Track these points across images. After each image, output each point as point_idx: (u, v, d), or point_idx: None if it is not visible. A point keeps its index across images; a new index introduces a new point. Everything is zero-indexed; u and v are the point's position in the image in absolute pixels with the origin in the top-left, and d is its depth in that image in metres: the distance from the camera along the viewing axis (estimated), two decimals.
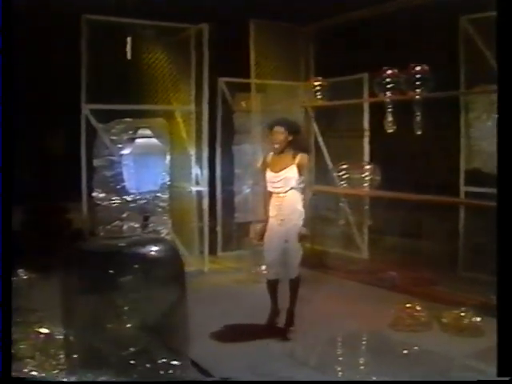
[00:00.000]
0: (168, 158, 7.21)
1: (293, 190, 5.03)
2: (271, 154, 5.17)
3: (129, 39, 5.69)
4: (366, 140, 7.79)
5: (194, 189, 7.38)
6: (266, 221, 5.20)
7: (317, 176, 8.02)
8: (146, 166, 6.35)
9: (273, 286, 5.25)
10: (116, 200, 6.85)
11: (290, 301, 5.24)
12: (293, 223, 5.02)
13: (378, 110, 7.05)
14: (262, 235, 5.20)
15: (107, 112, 6.74)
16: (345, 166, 7.45)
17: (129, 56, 5.58)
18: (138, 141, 6.40)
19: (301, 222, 5.02)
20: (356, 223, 7.92)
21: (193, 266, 7.21)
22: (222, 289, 6.59)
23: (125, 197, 6.81)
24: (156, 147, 6.49)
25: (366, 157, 7.76)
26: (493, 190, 5.72)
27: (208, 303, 5.89)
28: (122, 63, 6.97)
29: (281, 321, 5.28)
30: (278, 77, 7.72)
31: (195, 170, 7.40)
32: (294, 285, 5.19)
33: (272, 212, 5.13)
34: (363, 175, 7.25)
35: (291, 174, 5.00)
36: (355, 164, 7.43)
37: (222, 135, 8.10)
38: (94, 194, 6.78)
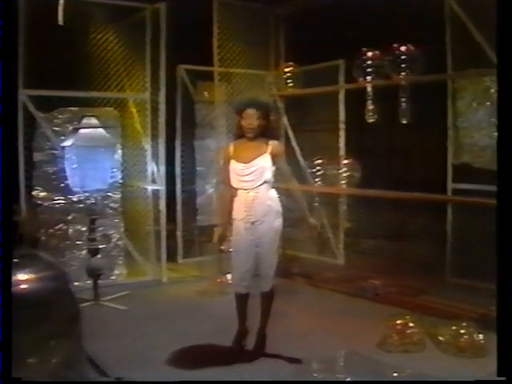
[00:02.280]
0: (120, 152, 6.42)
1: (266, 185, 4.22)
2: (236, 142, 4.34)
3: (61, 1, 4.80)
4: (343, 133, 6.99)
5: (150, 188, 6.51)
6: (225, 224, 4.37)
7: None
8: (92, 161, 5.44)
9: (242, 300, 4.43)
10: (60, 200, 6.08)
11: (261, 318, 4.44)
12: (267, 225, 4.24)
13: (355, 99, 6.34)
14: (221, 241, 4.39)
15: (49, 99, 5.89)
16: (319, 162, 6.65)
17: (60, 21, 4.71)
18: (82, 131, 5.49)
19: (277, 224, 4.26)
20: (331, 225, 7.16)
21: (149, 276, 6.49)
22: (181, 301, 5.74)
23: (70, 196, 6.00)
24: (103, 139, 5.58)
25: (343, 151, 6.97)
26: (484, 187, 5.29)
27: (164, 319, 5.14)
28: (68, 44, 6.05)
29: (250, 341, 4.44)
30: (245, 64, 6.90)
31: (151, 167, 6.52)
32: (267, 299, 4.42)
33: (238, 214, 4.29)
34: (340, 172, 6.44)
35: (265, 163, 4.19)
36: (331, 159, 6.64)
37: (183, 128, 7.25)
38: (34, 193, 5.97)
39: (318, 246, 7.31)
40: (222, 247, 4.52)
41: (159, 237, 6.46)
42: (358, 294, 5.77)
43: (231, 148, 4.34)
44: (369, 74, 5.86)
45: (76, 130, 5.54)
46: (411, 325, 4.48)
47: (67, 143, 5.50)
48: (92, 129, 5.52)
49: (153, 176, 6.53)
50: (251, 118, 4.21)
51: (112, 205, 6.34)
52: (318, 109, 7.21)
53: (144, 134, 6.51)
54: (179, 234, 7.28)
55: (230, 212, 4.33)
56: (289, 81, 6.91)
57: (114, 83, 6.29)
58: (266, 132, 4.27)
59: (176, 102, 7.15)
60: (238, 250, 4.30)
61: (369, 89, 5.86)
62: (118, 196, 6.39)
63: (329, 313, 5.31)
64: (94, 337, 4.41)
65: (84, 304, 5.41)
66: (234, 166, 4.25)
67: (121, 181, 6.42)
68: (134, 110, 6.54)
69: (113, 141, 5.75)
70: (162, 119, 6.37)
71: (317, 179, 6.67)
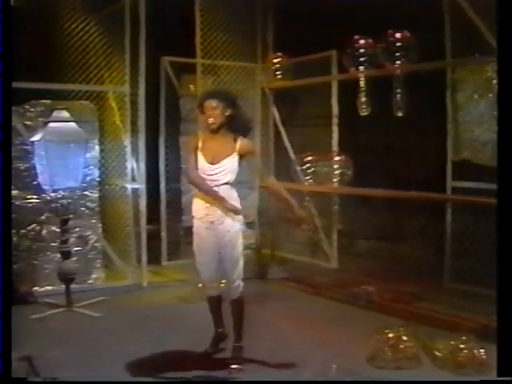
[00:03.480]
0: (97, 148, 6.00)
1: (228, 186, 3.89)
2: (204, 135, 3.97)
3: None
4: (336, 128, 6.56)
5: (130, 186, 6.09)
6: None
7: (277, 170, 6.79)
8: (62, 157, 5.02)
9: (214, 303, 4.19)
10: (33, 199, 5.69)
11: (233, 329, 4.06)
12: (227, 226, 3.91)
13: (348, 92, 5.88)
14: None
15: (21, 92, 5.24)
16: (310, 158, 6.21)
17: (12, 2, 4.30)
18: (51, 125, 5.06)
19: (238, 225, 3.93)
20: (323, 226, 6.78)
21: (128, 280, 6.09)
22: (158, 308, 5.32)
23: (44, 195, 5.57)
24: (74, 134, 5.16)
25: (335, 147, 6.54)
26: (485, 185, 4.83)
27: (136, 328, 4.74)
28: (43, 33, 5.68)
29: (228, 347, 4.11)
30: (231, 56, 6.54)
31: (131, 164, 6.11)
32: (236, 308, 4.06)
33: (198, 212, 3.98)
34: (332, 169, 6.02)
35: (233, 165, 3.90)
36: (322, 156, 6.20)
37: (167, 124, 6.80)
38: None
39: (311, 247, 6.97)
40: None
41: (140, 238, 6.03)
42: (350, 301, 5.34)
43: (197, 140, 3.95)
44: (361, 63, 5.44)
45: (45, 123, 5.11)
46: (405, 338, 4.03)
47: (36, 138, 5.09)
48: (62, 123, 5.08)
49: (133, 174, 6.15)
50: (211, 110, 3.88)
51: (89, 204, 5.94)
52: (309, 103, 6.85)
53: (124, 130, 6.07)
54: (163, 234, 6.86)
55: None
56: (278, 72, 6.55)
57: (91, 75, 5.91)
58: (232, 123, 3.89)
59: (159, 96, 6.72)
60: (201, 249, 4.01)
61: (361, 79, 5.43)
62: (95, 195, 5.99)
63: (317, 322, 4.89)
64: (52, 343, 4.31)
65: (55, 310, 5.12)
66: (202, 164, 3.92)
67: (98, 179, 6.01)
68: (113, 104, 6.12)
69: (85, 136, 5.31)
70: (141, 113, 5.97)
71: (307, 177, 6.23)
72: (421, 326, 4.48)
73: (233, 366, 3.92)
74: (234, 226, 3.91)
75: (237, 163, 3.88)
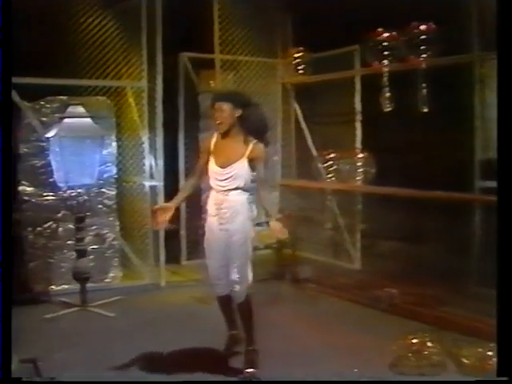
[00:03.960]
0: (114, 145, 5.93)
1: (238, 191, 3.83)
2: (216, 134, 3.93)
3: None
4: (359, 124, 6.37)
5: (148, 183, 5.98)
6: (172, 204, 3.99)
7: (299, 168, 6.68)
8: (77, 153, 4.95)
9: (224, 303, 4.10)
10: (49, 196, 5.62)
11: (244, 332, 3.98)
12: (237, 226, 3.83)
13: (371, 88, 5.66)
14: (160, 222, 3.93)
15: (37, 88, 5.38)
16: (332, 156, 6.04)
17: None
18: (66, 121, 4.98)
19: (247, 230, 3.86)
20: (346, 226, 6.60)
21: (146, 279, 5.99)
22: (174, 309, 5.22)
23: (60, 192, 5.49)
24: (89, 130, 5.07)
25: (359, 144, 6.34)
26: None
27: (155, 327, 4.67)
28: (58, 29, 5.60)
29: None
30: (250, 51, 6.40)
31: (149, 161, 6.00)
32: (243, 312, 3.97)
33: (211, 209, 3.95)
34: (354, 167, 5.85)
35: (241, 170, 3.79)
36: (345, 153, 6.03)
37: (186, 120, 6.68)
38: (20, 189, 5.51)
39: (333, 248, 6.79)
40: (157, 225, 4.05)
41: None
42: (371, 304, 5.16)
43: (212, 141, 3.90)
44: (385, 57, 5.23)
45: (60, 119, 5.04)
46: (429, 344, 3.85)
47: (50, 134, 5.02)
48: (77, 118, 5.00)
49: (151, 171, 6.03)
50: (219, 112, 3.82)
51: (106, 202, 5.86)
52: (331, 99, 6.55)
53: (141, 126, 5.97)
54: (183, 233, 6.75)
55: (183, 199, 4.16)
56: (299, 67, 6.35)
57: (108, 70, 5.79)
58: (244, 124, 3.79)
59: (178, 92, 6.60)
60: (210, 245, 3.96)
61: (385, 74, 5.22)
62: (112, 192, 5.91)
63: (337, 325, 4.74)
64: (63, 343, 4.26)
65: (69, 310, 5.05)
66: (212, 167, 3.88)
67: (115, 176, 5.93)
68: (131, 100, 6.02)
69: (101, 131, 5.22)
70: (159, 109, 5.86)
71: (329, 175, 6.06)
72: (446, 332, 4.31)
73: (247, 371, 3.79)
74: (242, 230, 3.80)
75: (246, 168, 3.75)
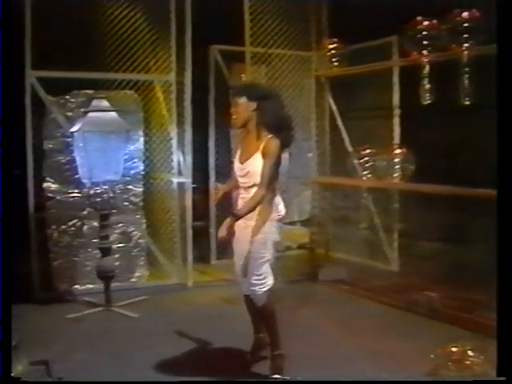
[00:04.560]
0: (141, 140, 5.81)
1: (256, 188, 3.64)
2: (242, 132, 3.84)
3: None
4: (397, 119, 6.11)
5: (176, 180, 5.84)
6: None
7: (333, 164, 6.46)
8: (101, 148, 4.81)
9: (248, 304, 3.89)
10: (74, 193, 5.53)
11: (268, 337, 3.80)
12: (254, 230, 3.61)
13: (411, 80, 5.36)
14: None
15: (62, 82, 5.28)
16: (368, 152, 5.74)
17: None
18: (91, 115, 4.85)
19: (266, 233, 3.59)
20: (383, 225, 6.35)
21: (173, 279, 5.87)
22: (202, 309, 5.08)
23: (85, 189, 5.30)
24: (114, 124, 4.92)
25: (397, 139, 6.08)
26: None
27: (180, 328, 4.51)
28: (83, 21, 5.44)
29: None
30: (282, 44, 6.18)
31: (177, 157, 5.86)
32: (264, 316, 3.79)
33: (238, 204, 3.80)
34: (392, 163, 5.52)
35: (255, 166, 3.61)
36: (382, 148, 5.71)
37: (217, 115, 6.54)
38: (44, 185, 5.44)
39: (370, 248, 6.55)
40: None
41: (186, 235, 5.77)
42: (409, 308, 4.91)
43: (241, 137, 3.81)
44: (425, 47, 4.94)
45: (84, 113, 4.91)
46: (472, 353, 3.56)
47: (74, 128, 4.89)
48: (102, 112, 4.86)
49: (179, 167, 5.87)
50: (235, 107, 3.68)
51: (132, 199, 5.75)
52: (368, 93, 6.36)
53: (170, 121, 5.82)
54: (212, 231, 6.58)
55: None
56: (334, 59, 6.10)
57: (136, 63, 5.61)
58: (262, 118, 3.60)
59: (208, 86, 6.47)
60: (237, 245, 3.77)
61: (425, 65, 4.93)
62: (139, 189, 5.80)
63: (371, 330, 4.50)
64: (84, 344, 4.16)
65: (92, 310, 4.95)
66: (235, 163, 3.79)
67: (143, 172, 5.81)
68: (159, 94, 5.88)
69: (126, 126, 5.06)
70: (187, 103, 5.70)
71: (365, 171, 5.77)
72: (490, 340, 4.03)
73: (273, 376, 3.62)
74: (264, 227, 3.57)
75: (261, 163, 3.55)
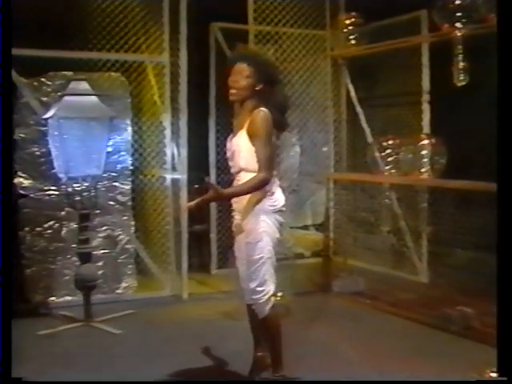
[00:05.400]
0: (129, 130, 5.58)
1: (247, 174, 3.37)
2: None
3: None
4: (426, 106, 5.84)
5: (170, 177, 5.63)
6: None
7: (351, 157, 6.31)
8: (80, 139, 4.56)
9: (251, 314, 3.70)
10: (50, 190, 5.33)
11: (270, 356, 3.57)
12: (247, 224, 3.41)
13: (442, 60, 5.15)
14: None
15: (38, 62, 5.06)
16: (392, 143, 5.51)
17: None
18: (67, 99, 4.61)
19: (259, 228, 3.37)
20: (410, 230, 6.14)
21: (166, 290, 5.65)
22: (198, 325, 4.83)
23: (64, 186, 5.06)
24: (95, 110, 4.67)
25: (426, 128, 5.82)
26: None
27: (170, 347, 4.32)
28: None
29: None
30: (288, 21, 6.03)
31: (171, 150, 5.65)
32: (266, 329, 3.58)
33: (232, 200, 3.59)
34: (419, 156, 5.26)
35: (239, 146, 3.39)
36: (407, 139, 5.47)
37: (218, 102, 6.27)
38: (15, 181, 5.21)
39: (394, 256, 6.34)
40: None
41: (181, 240, 5.57)
42: (440, 325, 4.65)
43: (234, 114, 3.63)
44: (458, 18, 4.69)
45: (60, 97, 4.67)
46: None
47: (48, 114, 4.63)
48: (80, 96, 4.61)
49: (173, 162, 5.66)
50: (237, 75, 3.41)
51: (119, 198, 5.53)
52: (392, 75, 6.19)
53: (163, 108, 5.61)
54: (213, 236, 6.36)
55: None
56: (351, 37, 5.91)
57: (123, 42, 5.36)
58: (260, 99, 3.36)
59: (209, 69, 6.24)
60: (237, 242, 3.60)
61: (459, 39, 4.69)
62: (127, 187, 5.58)
63: (394, 350, 4.21)
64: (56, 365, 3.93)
65: (69, 325, 4.69)
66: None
67: (131, 167, 5.59)
68: (151, 77, 5.67)
69: (109, 112, 4.81)
70: (183, 87, 5.48)
71: (388, 166, 5.52)
72: None
73: None
74: (253, 229, 3.39)
75: (246, 144, 3.32)
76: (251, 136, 3.28)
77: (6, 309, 2.76)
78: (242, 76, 3.38)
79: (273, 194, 3.37)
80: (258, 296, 3.43)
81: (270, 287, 3.41)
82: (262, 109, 3.28)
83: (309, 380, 3.63)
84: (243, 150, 3.32)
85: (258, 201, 3.35)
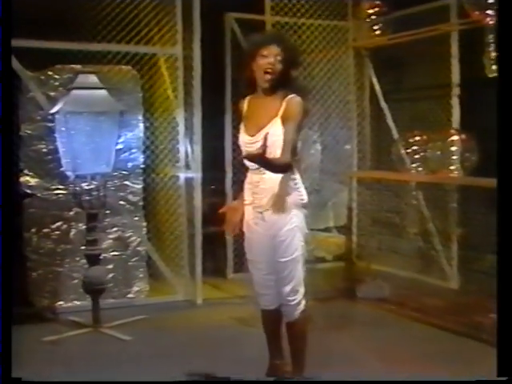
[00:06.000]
0: (141, 126, 5.62)
1: None
2: (250, 98, 3.55)
3: None
4: (456, 100, 5.84)
5: (183, 175, 5.69)
6: (241, 202, 3.63)
7: (375, 155, 6.35)
8: (88, 134, 4.60)
9: (270, 320, 3.75)
10: (58, 189, 5.37)
11: (292, 363, 3.62)
12: (280, 218, 3.41)
13: (472, 50, 5.21)
14: (233, 224, 3.60)
15: (45, 54, 5.14)
16: (419, 139, 5.51)
17: None
18: (75, 93, 4.65)
19: (295, 220, 3.43)
20: (439, 232, 6.11)
21: (179, 294, 5.71)
22: (211, 331, 4.84)
23: (72, 185, 5.05)
24: (104, 104, 4.71)
25: (455, 123, 5.82)
26: None
27: (181, 354, 4.32)
28: None
29: None
30: (306, 11, 6.12)
31: (184, 147, 5.69)
32: (295, 334, 3.62)
33: (247, 196, 3.58)
34: (448, 152, 5.28)
35: (274, 135, 3.34)
36: (436, 135, 5.47)
37: (234, 97, 6.17)
38: (21, 180, 5.27)
39: (422, 260, 6.31)
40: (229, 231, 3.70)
41: (195, 242, 5.61)
42: (470, 334, 4.61)
43: (244, 106, 3.54)
44: (490, 6, 4.66)
45: (68, 91, 4.72)
46: None
47: (54, 109, 4.69)
48: (89, 90, 4.65)
49: (187, 159, 5.70)
50: (271, 58, 3.34)
51: (130, 198, 5.56)
52: (419, 67, 6.22)
53: (176, 103, 5.65)
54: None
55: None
56: (375, 27, 5.96)
57: (134, 33, 5.38)
58: (289, 87, 3.40)
59: (224, 62, 6.26)
60: (251, 245, 3.63)
61: (491, 27, 4.66)
62: (138, 186, 5.62)
63: (423, 359, 4.17)
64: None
65: (76, 331, 4.73)
66: (241, 136, 3.53)
67: (143, 166, 5.63)
68: (163, 70, 5.71)
69: (119, 107, 4.86)
70: (197, 81, 5.51)
71: (415, 163, 5.51)
72: None
73: None
74: (288, 222, 3.41)
75: (281, 130, 3.31)
76: (284, 120, 3.28)
77: (5, 309, 2.83)
78: (276, 60, 3.32)
79: (298, 187, 3.40)
80: (292, 298, 3.48)
81: (303, 287, 3.46)
82: (295, 95, 3.31)
83: (309, 380, 3.64)
84: (280, 139, 3.28)
85: (287, 193, 3.35)
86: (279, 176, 3.36)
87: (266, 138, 3.25)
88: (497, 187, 3.08)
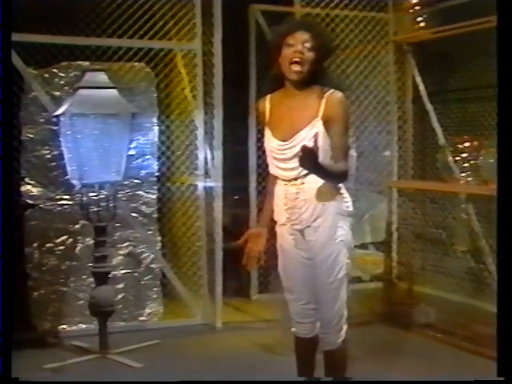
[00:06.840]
0: (156, 130, 5.67)
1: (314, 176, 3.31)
2: (274, 96, 3.42)
3: None
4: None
5: (202, 184, 5.73)
6: (260, 227, 3.64)
7: (418, 162, 6.35)
8: (96, 139, 4.62)
9: (302, 348, 3.69)
10: (63, 199, 5.44)
11: None
12: (322, 235, 3.33)
13: None
14: (256, 255, 3.59)
15: (47, 49, 5.21)
16: (468, 145, 5.55)
17: None
18: (81, 92, 4.66)
19: (341, 235, 3.34)
20: (492, 250, 5.93)
21: (197, 317, 5.78)
22: (231, 359, 4.86)
23: (79, 194, 5.08)
24: (114, 105, 4.72)
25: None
26: None
27: None
28: None
29: None
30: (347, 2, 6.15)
31: (203, 153, 5.72)
32: (334, 363, 3.56)
33: (279, 215, 3.46)
34: None
35: (320, 136, 3.22)
36: (489, 140, 5.49)
37: (259, 97, 6.27)
38: (23, 189, 5.30)
39: (472, 283, 6.27)
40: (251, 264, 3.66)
41: (214, 260, 5.62)
42: None
43: (267, 107, 3.43)
44: None
45: (74, 90, 4.74)
46: None
47: (59, 111, 4.69)
48: (97, 89, 4.66)
49: (206, 167, 5.74)
50: (300, 45, 3.19)
51: (143, 209, 5.59)
52: (469, 64, 6.17)
53: (194, 103, 5.68)
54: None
55: (270, 211, 3.56)
56: (419, 19, 5.98)
57: (147, 27, 5.41)
58: (323, 80, 3.30)
59: (248, 58, 6.26)
60: (287, 270, 3.55)
61: None
62: (152, 196, 5.65)
63: None
64: None
65: (81, 358, 4.74)
66: (269, 141, 3.38)
67: (157, 173, 5.67)
68: (180, 68, 5.75)
69: (130, 108, 4.88)
70: (217, 79, 5.51)
71: (464, 173, 5.58)
72: None
73: None
74: (333, 238, 3.33)
75: (325, 133, 3.19)
76: (329, 121, 3.17)
77: (6, 308, 2.85)
78: (304, 47, 3.18)
79: (343, 192, 3.31)
80: (335, 324, 3.44)
81: (345, 313, 3.41)
82: (335, 91, 3.20)
83: (311, 380, 3.67)
84: (323, 143, 3.18)
85: (331, 201, 3.27)
86: (319, 183, 3.22)
87: (316, 140, 3.12)
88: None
